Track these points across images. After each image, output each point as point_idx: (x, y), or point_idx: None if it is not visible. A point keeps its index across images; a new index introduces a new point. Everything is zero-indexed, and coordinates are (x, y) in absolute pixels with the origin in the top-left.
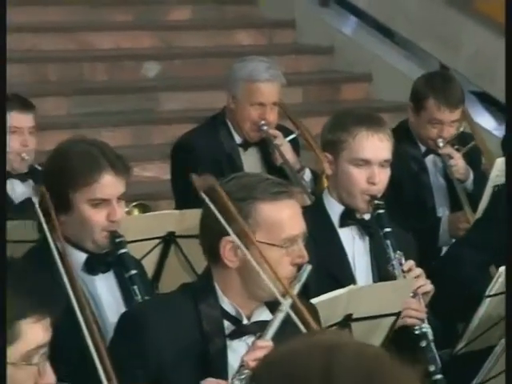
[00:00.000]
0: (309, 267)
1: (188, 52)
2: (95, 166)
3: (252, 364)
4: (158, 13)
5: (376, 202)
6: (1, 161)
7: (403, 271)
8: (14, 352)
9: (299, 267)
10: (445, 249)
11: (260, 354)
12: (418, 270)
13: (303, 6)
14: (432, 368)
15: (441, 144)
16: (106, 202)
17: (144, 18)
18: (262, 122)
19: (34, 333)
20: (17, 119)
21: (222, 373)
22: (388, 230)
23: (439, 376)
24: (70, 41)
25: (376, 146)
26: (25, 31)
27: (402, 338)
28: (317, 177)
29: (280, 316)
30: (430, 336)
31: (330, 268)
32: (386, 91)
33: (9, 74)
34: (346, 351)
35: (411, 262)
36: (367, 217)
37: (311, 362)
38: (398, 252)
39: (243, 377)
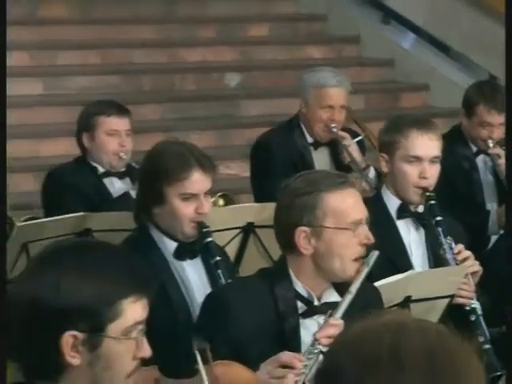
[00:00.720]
0: (376, 253)
1: (265, 64)
2: (186, 164)
3: (323, 341)
4: (238, 30)
5: (428, 194)
6: (1, 160)
7: (454, 254)
8: (115, 327)
9: (367, 249)
10: (494, 237)
11: (330, 331)
12: (467, 253)
13: (367, 24)
14: (481, 339)
15: (490, 144)
16: (194, 197)
17: (226, 35)
18: (332, 124)
19: (133, 311)
20: (115, 123)
21: (295, 348)
22: (439, 218)
23: (488, 346)
24: (162, 55)
25: (426, 145)
26: (120, 47)
27: (454, 314)
28: (380, 174)
29: (349, 297)
30: (479, 311)
31: (389, 255)
32: (441, 99)
33: (107, 85)
34: (411, 330)
35: (460, 246)
36: (421, 209)
37: (381, 341)
38: (449, 237)
39: (315, 352)
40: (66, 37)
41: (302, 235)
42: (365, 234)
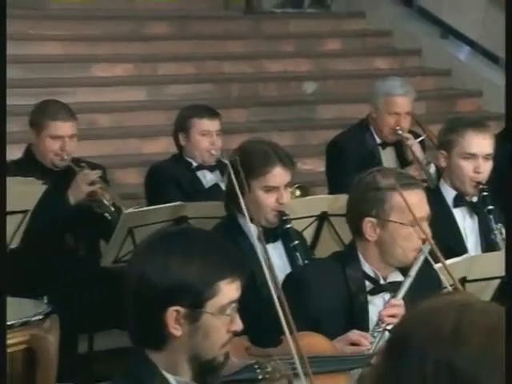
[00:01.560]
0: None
1: (338, 74)
2: (269, 160)
3: (387, 319)
4: (315, 44)
5: (481, 186)
6: (1, 159)
7: (503, 239)
8: (213, 305)
9: (423, 241)
10: None
11: (394, 310)
12: None
13: (427, 38)
14: None
15: None
16: (276, 189)
17: (304, 49)
18: (398, 127)
19: (229, 291)
20: (207, 124)
21: (364, 323)
22: (491, 207)
23: None
24: (249, 66)
25: (480, 143)
26: (213, 59)
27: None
28: (439, 170)
29: (409, 280)
30: None
31: (447, 240)
32: (494, 104)
33: (201, 92)
34: (475, 309)
35: None
36: (475, 200)
37: (446, 316)
38: (499, 224)
39: (380, 329)
40: (166, 50)
41: (368, 224)
42: (424, 230)
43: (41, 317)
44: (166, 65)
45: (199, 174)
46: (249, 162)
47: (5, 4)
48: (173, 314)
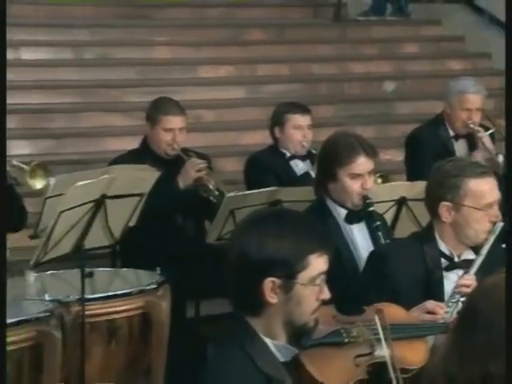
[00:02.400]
0: (501, 224)
1: (415, 74)
2: (354, 151)
3: (462, 289)
4: (395, 48)
5: None
6: (1, 158)
7: None
8: (304, 276)
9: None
10: None
11: (467, 283)
12: None
13: (496, 42)
14: None
15: None
16: (360, 176)
17: (385, 52)
18: (470, 122)
19: (318, 264)
20: (299, 119)
21: (439, 296)
22: None
23: None
24: (335, 67)
25: None
26: (304, 61)
27: None
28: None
29: (480, 258)
30: None
31: None
32: None
33: (293, 90)
34: None
35: None
36: None
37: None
38: None
39: (454, 301)
40: (263, 54)
41: (444, 208)
42: (495, 213)
43: (155, 286)
44: (263, 66)
45: (292, 163)
46: (336, 152)
47: (5, 9)
48: (269, 285)
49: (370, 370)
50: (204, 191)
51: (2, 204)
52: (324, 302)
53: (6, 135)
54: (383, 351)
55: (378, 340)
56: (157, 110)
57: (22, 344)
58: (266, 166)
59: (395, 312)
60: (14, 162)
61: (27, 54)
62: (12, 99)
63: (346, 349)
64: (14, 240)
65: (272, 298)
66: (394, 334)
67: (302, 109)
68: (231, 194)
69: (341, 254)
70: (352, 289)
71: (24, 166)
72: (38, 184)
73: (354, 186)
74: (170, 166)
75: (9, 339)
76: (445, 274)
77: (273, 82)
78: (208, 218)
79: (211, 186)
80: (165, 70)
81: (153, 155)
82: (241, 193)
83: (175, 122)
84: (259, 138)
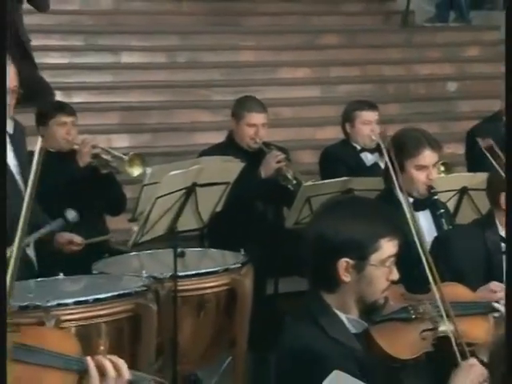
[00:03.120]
0: None
1: (476, 75)
2: (420, 144)
3: None
4: (457, 51)
5: None
6: (1, 157)
7: None
8: (375, 258)
9: None
10: None
11: None
12: None
13: None
14: None
15: None
16: (425, 167)
17: (448, 55)
18: None
19: (388, 247)
20: (368, 116)
21: (500, 278)
22: None
23: None
24: (403, 69)
25: None
26: (373, 63)
27: None
28: None
29: None
30: None
31: None
32: None
33: (364, 90)
34: None
35: None
36: None
37: None
38: None
39: None
40: (337, 57)
41: (502, 197)
42: None
43: (239, 265)
44: (336, 68)
45: (362, 155)
46: (403, 146)
47: (5, 13)
48: (343, 265)
49: (435, 343)
50: (283, 180)
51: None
52: (393, 282)
53: (5, 135)
54: (446, 326)
55: (441, 316)
56: (241, 107)
57: (122, 315)
58: (338, 158)
59: (461, 291)
60: (115, 153)
61: (126, 58)
62: (113, 98)
63: (413, 324)
64: (115, 223)
65: (346, 276)
66: (459, 311)
67: (370, 106)
68: (308, 183)
69: (407, 238)
70: (416, 269)
71: (123, 156)
72: (136, 172)
73: (420, 176)
74: (253, 157)
75: (111, 310)
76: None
77: (345, 82)
78: (286, 205)
79: (289, 176)
80: (248, 71)
81: (237, 148)
82: (316, 182)
83: (258, 118)
84: (332, 133)
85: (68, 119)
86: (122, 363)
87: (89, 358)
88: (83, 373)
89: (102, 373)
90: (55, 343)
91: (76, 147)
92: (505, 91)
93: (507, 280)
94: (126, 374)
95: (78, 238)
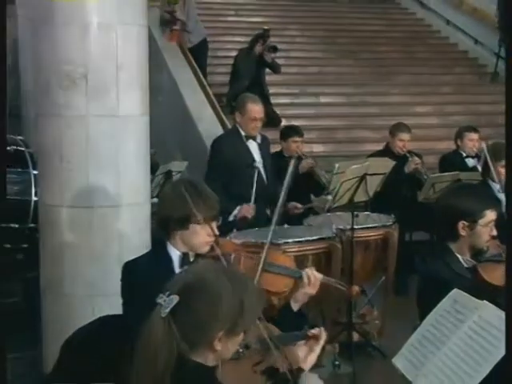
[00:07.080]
0: None
1: None
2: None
3: None
4: None
5: None
6: (1, 156)
7: None
8: (482, 221)
9: None
10: None
11: None
12: None
13: None
14: None
15: None
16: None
17: None
18: None
19: (490, 215)
20: (470, 135)
21: None
22: None
23: None
24: (491, 107)
25: None
26: (472, 104)
27: None
28: None
29: None
30: None
31: None
32: None
33: (468, 120)
34: None
35: None
36: None
37: None
38: None
39: None
40: (450, 100)
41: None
42: None
43: (391, 223)
44: (449, 106)
45: (466, 160)
46: (496, 152)
47: (4, 13)
48: (461, 225)
49: None
50: (418, 175)
51: (2, 197)
52: (493, 237)
53: (5, 135)
54: None
55: None
56: (395, 129)
57: (321, 250)
58: (450, 162)
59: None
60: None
61: (324, 99)
62: (314, 122)
63: (503, 264)
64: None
65: (463, 232)
66: None
67: (473, 129)
68: (433, 175)
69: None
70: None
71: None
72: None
73: (503, 171)
74: (400, 159)
75: (314, 247)
76: None
77: (455, 114)
78: (419, 189)
79: (422, 172)
80: (395, 107)
81: (391, 153)
82: (437, 174)
83: (405, 136)
84: (447, 145)
85: (299, 138)
86: (319, 274)
87: (305, 270)
88: (298, 279)
89: (310, 280)
90: (283, 262)
91: (302, 156)
92: (505, 92)
93: (507, 280)
94: (319, 278)
95: (299, 205)
